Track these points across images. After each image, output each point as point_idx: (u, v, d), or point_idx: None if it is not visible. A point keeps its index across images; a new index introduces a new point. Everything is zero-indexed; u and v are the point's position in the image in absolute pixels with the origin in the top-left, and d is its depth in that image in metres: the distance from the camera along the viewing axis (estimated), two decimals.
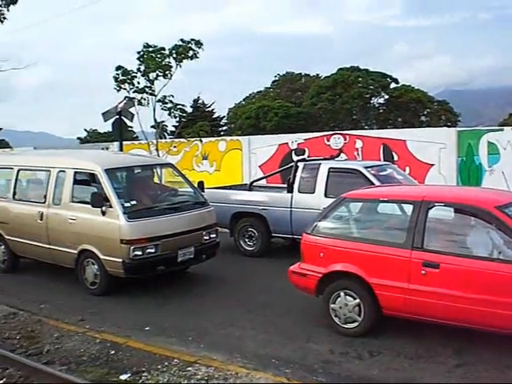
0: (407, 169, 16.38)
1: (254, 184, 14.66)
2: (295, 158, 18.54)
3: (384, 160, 16.87)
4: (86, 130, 74.56)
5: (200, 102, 61.75)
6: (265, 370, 6.62)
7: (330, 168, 12.27)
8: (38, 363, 6.76)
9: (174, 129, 31.43)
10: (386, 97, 60.59)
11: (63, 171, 10.92)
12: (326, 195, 11.83)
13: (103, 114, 18.94)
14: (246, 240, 13.25)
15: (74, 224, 10.42)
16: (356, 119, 60.81)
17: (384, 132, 20.18)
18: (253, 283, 10.91)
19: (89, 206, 10.07)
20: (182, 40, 19.95)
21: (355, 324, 7.78)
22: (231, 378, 6.33)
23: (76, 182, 10.68)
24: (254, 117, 55.90)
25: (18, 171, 12.07)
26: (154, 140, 21.79)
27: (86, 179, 10.61)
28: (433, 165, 16.65)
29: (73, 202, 10.58)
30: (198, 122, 25.15)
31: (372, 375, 6.55)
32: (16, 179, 12.03)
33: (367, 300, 7.62)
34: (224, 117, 66.66)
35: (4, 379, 6.50)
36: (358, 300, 7.70)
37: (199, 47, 20.04)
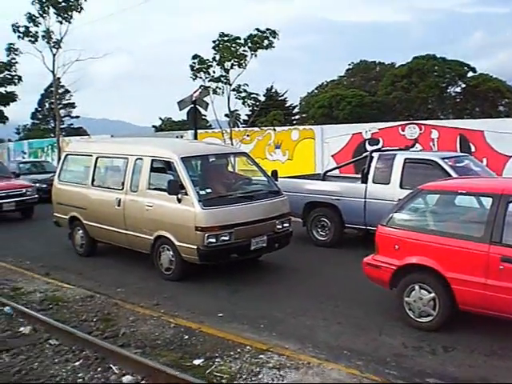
0: (484, 160, 15.95)
1: (328, 174, 14.58)
2: (369, 147, 18.35)
3: (460, 151, 16.52)
4: (160, 118, 75.85)
5: (273, 90, 61.80)
6: (336, 361, 6.61)
7: (406, 159, 12.07)
8: (113, 345, 6.93)
9: (246, 118, 31.63)
10: (463, 86, 58.89)
11: (141, 159, 11.16)
12: (401, 186, 11.65)
13: (178, 102, 19.21)
14: (319, 230, 13.21)
15: (150, 211, 10.65)
16: (431, 109, 59.40)
17: (461, 122, 19.74)
18: (324, 273, 10.89)
19: (165, 193, 10.26)
20: (257, 29, 19.99)
21: (429, 318, 7.66)
22: (303, 368, 6.35)
23: (153, 169, 10.90)
24: (327, 106, 55.44)
25: (97, 158, 12.40)
26: (228, 129, 21.98)
27: (162, 167, 10.82)
28: (511, 156, 16.18)
29: (149, 189, 10.81)
30: (270, 110, 25.23)
31: (445, 371, 6.44)
32: (95, 166, 12.37)
33: (443, 294, 7.48)
34: (296, 106, 66.46)
35: (81, 360, 6.70)
36: (433, 294, 7.57)
37: (274, 37, 20.03)
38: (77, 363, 6.62)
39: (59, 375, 6.30)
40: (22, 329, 7.81)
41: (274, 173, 11.65)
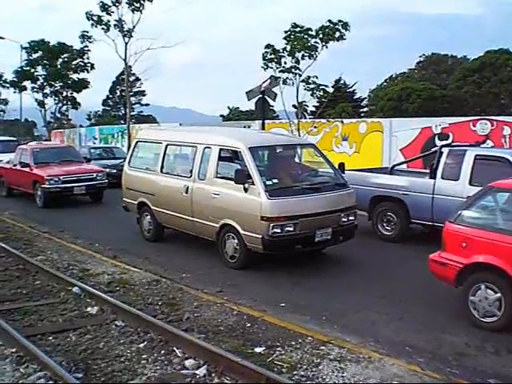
0: None
1: (396, 168, 14.40)
2: (439, 142, 18.02)
3: None
4: (228, 107, 76.36)
5: (341, 82, 61.29)
6: (397, 357, 6.55)
7: (477, 155, 11.77)
8: (177, 329, 7.04)
9: (314, 109, 31.50)
10: None
11: (209, 147, 11.29)
12: (470, 183, 11.39)
13: (247, 92, 19.30)
14: (384, 224, 13.07)
15: (217, 199, 10.78)
16: (504, 104, 57.68)
17: None
18: (388, 268, 10.78)
19: (232, 182, 10.38)
20: (329, 21, 19.87)
21: (494, 319, 7.49)
22: (363, 362, 6.32)
23: (220, 158, 11.03)
24: (397, 99, 54.57)
25: (167, 146, 12.61)
26: (295, 120, 21.96)
27: (230, 156, 10.94)
28: None
29: (217, 177, 10.94)
30: (338, 102, 25.11)
31: (508, 373, 6.30)
32: (164, 153, 12.59)
33: (509, 295, 7.30)
34: (365, 98, 65.76)
35: (145, 342, 6.84)
36: (499, 294, 7.40)
37: (346, 29, 19.89)
38: (141, 345, 6.78)
39: (124, 355, 6.46)
40: (89, 309, 8.06)
41: (341, 165, 11.58)
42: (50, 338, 6.98)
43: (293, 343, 6.84)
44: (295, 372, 6.02)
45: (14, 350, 6.45)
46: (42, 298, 8.63)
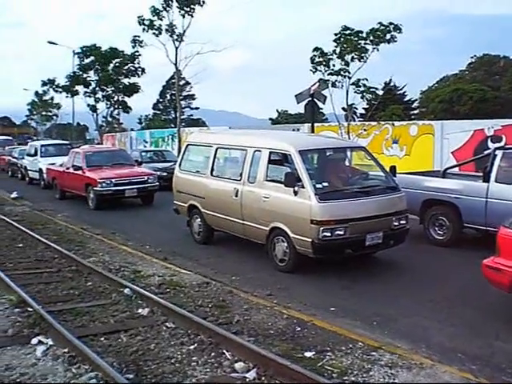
0: None
1: (448, 171, 14.15)
2: (491, 145, 17.65)
3: None
4: (277, 110, 76.41)
5: (392, 84, 60.62)
6: (450, 364, 6.40)
7: None
8: (227, 332, 7.05)
9: (363, 111, 31.29)
10: None
11: (259, 151, 11.30)
12: None
13: (296, 95, 19.28)
14: (436, 228, 12.84)
15: (266, 202, 10.77)
16: None
17: None
18: (440, 273, 10.57)
19: (282, 185, 10.36)
20: (380, 23, 19.71)
21: None
22: (415, 368, 6.21)
23: (270, 161, 11.02)
24: (448, 100, 53.70)
25: (217, 149, 12.68)
26: (345, 122, 21.84)
27: (280, 159, 10.92)
28: None
29: (267, 180, 10.93)
30: (388, 105, 24.88)
31: None
32: (214, 157, 12.66)
33: None
34: (416, 100, 64.89)
35: (195, 344, 6.87)
36: None
37: (398, 32, 19.71)
38: (191, 347, 6.81)
39: (174, 357, 6.49)
40: (140, 310, 8.13)
41: (392, 168, 11.44)
42: (102, 338, 7.07)
43: (343, 348, 6.78)
44: (345, 377, 5.96)
45: (66, 351, 6.55)
46: (94, 299, 8.77)
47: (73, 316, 7.92)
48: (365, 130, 22.39)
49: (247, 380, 5.87)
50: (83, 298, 8.86)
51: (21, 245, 12.91)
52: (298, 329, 7.48)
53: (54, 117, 72.61)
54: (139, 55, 37.51)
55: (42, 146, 29.38)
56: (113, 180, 19.22)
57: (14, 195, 23.02)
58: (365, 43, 20.20)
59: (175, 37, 29.79)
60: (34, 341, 6.87)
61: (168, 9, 29.45)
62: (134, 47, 34.56)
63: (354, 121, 25.97)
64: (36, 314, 7.67)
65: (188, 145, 14.33)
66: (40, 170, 26.58)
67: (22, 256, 11.77)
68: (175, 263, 11.28)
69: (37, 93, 69.75)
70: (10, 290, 8.82)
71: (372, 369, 6.16)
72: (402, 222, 10.78)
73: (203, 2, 29.14)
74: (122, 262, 11.31)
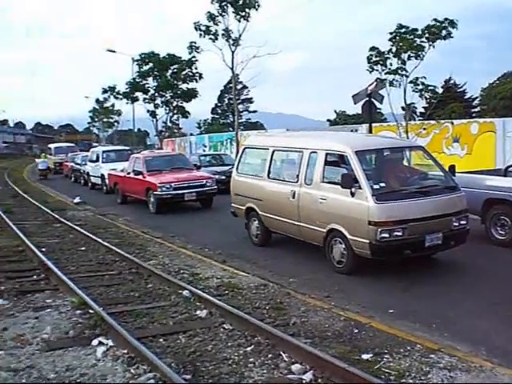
0: None
1: (510, 169, 13.78)
2: None
3: None
4: (335, 111, 76.04)
5: (451, 82, 59.56)
6: (510, 367, 6.23)
7: None
8: (284, 334, 7.04)
9: (423, 110, 30.84)
10: None
11: (315, 152, 11.27)
12: None
13: (353, 96, 19.12)
14: (498, 228, 12.53)
15: (323, 203, 10.73)
16: None
17: None
18: (502, 274, 10.31)
19: (338, 186, 10.29)
20: (435, 20, 19.43)
21: None
22: (474, 371, 6.08)
23: (327, 162, 10.97)
24: (509, 97, 52.38)
25: (273, 152, 12.71)
26: (403, 122, 21.58)
27: (336, 160, 10.86)
28: None
29: (323, 182, 10.88)
30: (448, 103, 24.48)
31: None
32: (271, 159, 12.68)
33: None
34: (476, 97, 63.55)
35: (252, 346, 6.90)
36: None
37: (453, 27, 19.38)
38: (248, 348, 6.84)
39: (231, 358, 6.53)
40: (198, 312, 8.21)
41: (452, 167, 11.22)
42: (161, 339, 7.17)
43: (401, 350, 6.69)
44: (403, 380, 5.88)
45: (125, 351, 6.68)
46: (154, 301, 8.90)
47: (133, 317, 8.06)
48: (424, 129, 22.08)
49: (304, 382, 5.85)
50: (143, 299, 9.00)
51: (83, 248, 13.22)
52: (356, 331, 7.42)
53: (115, 123, 74.17)
54: (196, 61, 37.87)
55: (104, 152, 30.04)
56: (172, 184, 19.48)
57: (76, 200, 23.61)
58: (421, 41, 19.92)
59: (231, 41, 30.00)
60: (95, 342, 7.02)
61: (224, 14, 29.69)
62: (190, 53, 35.02)
63: (414, 120, 25.61)
64: (97, 315, 7.82)
65: (245, 148, 14.42)
66: (102, 176, 27.19)
67: (84, 259, 12.06)
68: (233, 265, 11.35)
69: (98, 100, 71.42)
70: (72, 293, 9.03)
71: (430, 371, 6.06)
72: (462, 222, 10.56)
73: (258, 6, 29.27)
74: (182, 264, 11.45)
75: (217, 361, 6.46)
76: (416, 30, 20.00)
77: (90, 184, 30.35)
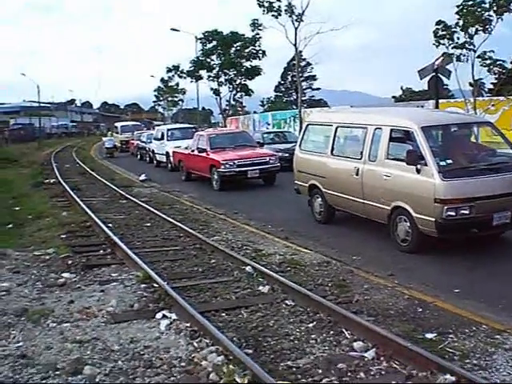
0: None
1: None
2: None
3: None
4: (401, 88, 74.74)
5: None
6: None
7: None
8: (347, 311, 6.99)
9: (492, 86, 29.98)
10: None
11: (379, 128, 11.09)
12: None
13: (419, 71, 18.70)
14: None
15: (388, 181, 10.57)
16: None
17: None
18: None
19: (403, 163, 10.11)
20: None
21: None
22: None
23: (391, 139, 10.78)
24: None
25: (337, 128, 12.56)
26: (471, 98, 21.04)
27: (401, 137, 10.66)
28: None
29: (388, 158, 10.71)
30: None
31: None
32: (334, 136, 12.55)
33: None
34: None
35: (314, 322, 6.89)
36: None
37: None
38: (310, 325, 6.83)
39: (293, 334, 6.55)
40: (260, 288, 8.25)
41: None
42: (223, 314, 7.25)
43: (466, 331, 6.55)
44: (467, 360, 5.76)
45: (188, 325, 6.77)
46: (217, 276, 8.99)
47: (196, 292, 8.17)
48: (493, 105, 21.46)
49: (366, 359, 5.81)
50: (206, 274, 9.11)
51: (148, 224, 13.46)
52: (420, 310, 7.31)
53: (180, 102, 74.95)
54: (260, 38, 37.88)
55: (169, 129, 30.41)
56: (235, 161, 19.59)
57: (142, 177, 24.04)
58: (488, 14, 19.32)
59: (294, 17, 29.77)
60: (159, 315, 7.15)
61: None
62: (253, 30, 35.01)
63: (482, 96, 24.93)
64: (161, 289, 7.96)
65: (308, 124, 14.33)
66: (167, 153, 27.56)
67: (149, 235, 12.28)
68: (296, 242, 11.33)
69: (162, 79, 72.25)
70: (137, 267, 9.21)
71: (496, 352, 5.91)
72: None
73: None
74: (245, 240, 11.51)
75: (278, 336, 6.49)
76: (483, 2, 19.40)
77: (155, 162, 30.82)
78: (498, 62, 20.05)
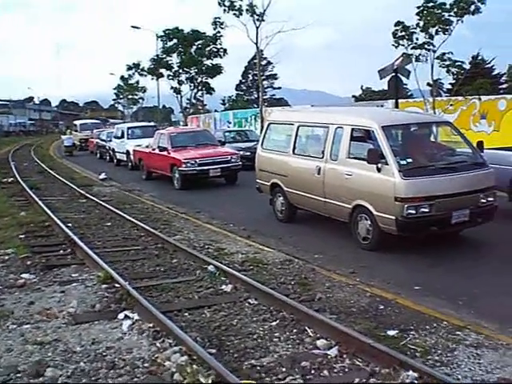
0: None
1: None
2: None
3: None
4: (361, 88, 75.38)
5: (479, 58, 58.59)
6: None
7: None
8: (309, 309, 7.03)
9: (450, 86, 30.46)
10: None
11: (341, 127, 11.16)
12: None
13: (379, 71, 18.90)
14: None
15: (349, 179, 10.65)
16: None
17: None
18: None
19: (364, 162, 10.20)
20: None
21: None
22: (501, 349, 6.01)
23: (353, 138, 10.87)
24: None
25: (298, 127, 12.61)
26: (430, 98, 21.33)
27: (362, 136, 10.76)
28: None
29: (349, 157, 10.79)
30: (476, 79, 24.12)
31: None
32: (296, 135, 12.59)
33: None
34: (504, 74, 62.42)
35: (277, 321, 6.91)
36: None
37: (482, 3, 19.09)
38: (273, 323, 6.85)
39: (256, 333, 6.55)
40: (223, 287, 8.23)
41: (480, 144, 11.06)
42: (186, 314, 7.21)
43: (427, 327, 6.65)
44: (429, 357, 5.84)
45: (151, 325, 6.71)
46: (179, 276, 8.94)
47: (158, 292, 8.11)
48: (451, 105, 21.80)
49: (329, 357, 5.84)
50: (168, 274, 9.05)
51: (109, 224, 13.31)
52: (381, 307, 7.39)
53: (140, 100, 74.25)
54: (221, 36, 37.76)
55: (129, 128, 30.16)
56: (197, 160, 19.51)
57: (102, 176, 23.78)
58: (449, 15, 19.62)
59: (256, 16, 29.77)
60: (121, 316, 7.08)
61: None
62: (215, 29, 34.90)
63: (441, 96, 25.30)
64: (123, 289, 7.89)
65: (270, 123, 14.34)
66: (127, 152, 27.31)
67: (110, 234, 12.15)
68: (258, 241, 11.34)
69: (122, 77, 71.43)
70: (98, 267, 9.10)
71: (456, 349, 6.01)
72: (489, 199, 10.42)
73: None
74: (207, 239, 11.47)
75: (242, 335, 6.49)
76: (444, 4, 19.70)
77: (115, 160, 30.50)
78: (456, 63, 20.34)
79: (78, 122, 50.59)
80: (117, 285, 8.18)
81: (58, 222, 12.66)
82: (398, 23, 20.44)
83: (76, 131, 46.70)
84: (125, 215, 13.82)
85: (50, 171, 26.58)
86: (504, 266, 9.36)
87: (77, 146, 42.67)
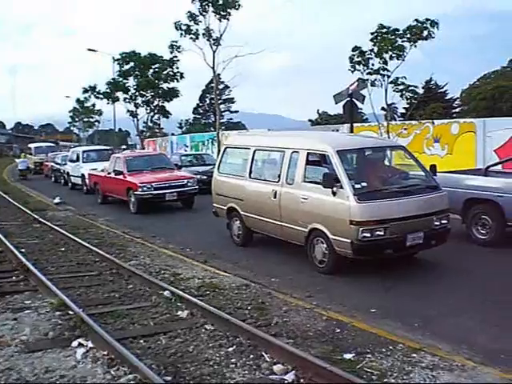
0: None
1: (490, 169, 13.86)
2: None
3: None
4: (318, 112, 76.28)
5: (432, 82, 59.96)
6: (493, 365, 6.24)
7: None
8: (266, 334, 7.00)
9: (404, 111, 31.03)
10: None
11: (297, 152, 11.24)
12: None
13: (335, 96, 19.16)
14: (479, 228, 12.58)
15: (305, 203, 10.70)
16: None
17: None
18: (483, 273, 10.34)
19: (320, 186, 10.28)
20: (416, 20, 19.60)
21: None
22: (457, 370, 6.08)
23: (308, 162, 10.95)
24: (490, 98, 52.72)
25: (255, 151, 12.68)
26: (384, 122, 21.67)
27: (318, 160, 10.85)
28: None
29: (305, 181, 10.87)
30: (429, 103, 24.67)
31: None
32: (252, 159, 12.65)
33: None
34: (457, 98, 63.98)
35: (234, 346, 6.85)
36: None
37: (434, 27, 19.53)
38: (230, 349, 6.79)
39: (213, 359, 6.48)
40: (179, 313, 8.14)
41: (433, 167, 11.27)
42: (141, 341, 7.10)
43: (383, 350, 6.68)
44: (385, 380, 5.87)
45: (105, 353, 6.59)
46: (134, 302, 8.82)
47: (113, 319, 7.97)
48: (405, 129, 22.19)
49: (286, 382, 5.82)
50: (123, 300, 8.92)
51: (63, 249, 13.09)
52: (338, 330, 7.40)
53: (96, 123, 73.63)
54: (177, 60, 37.76)
55: (84, 151, 29.82)
56: (153, 184, 19.39)
57: (56, 200, 23.41)
58: (402, 41, 20.03)
59: (212, 41, 29.91)
60: (74, 343, 6.93)
61: (204, 13, 29.60)
62: (171, 52, 34.93)
63: (395, 120, 25.75)
64: (77, 316, 7.73)
65: (226, 147, 14.38)
66: (82, 176, 26.98)
67: (64, 260, 11.94)
68: (215, 266, 11.29)
69: (78, 100, 70.80)
70: (51, 294, 8.93)
71: (413, 371, 6.06)
72: (443, 221, 10.59)
73: (239, 6, 29.27)
74: (163, 264, 11.37)
75: (198, 362, 6.41)
76: (397, 30, 20.10)
77: (70, 184, 30.11)
78: (410, 88, 20.73)
79: (32, 146, 49.86)
80: (70, 312, 8.02)
81: (11, 247, 12.42)
82: (355, 48, 20.77)
83: (31, 154, 46.02)
84: (79, 240, 13.60)
85: (4, 195, 26.07)
86: (457, 288, 9.49)
87: (31, 169, 42.06)
